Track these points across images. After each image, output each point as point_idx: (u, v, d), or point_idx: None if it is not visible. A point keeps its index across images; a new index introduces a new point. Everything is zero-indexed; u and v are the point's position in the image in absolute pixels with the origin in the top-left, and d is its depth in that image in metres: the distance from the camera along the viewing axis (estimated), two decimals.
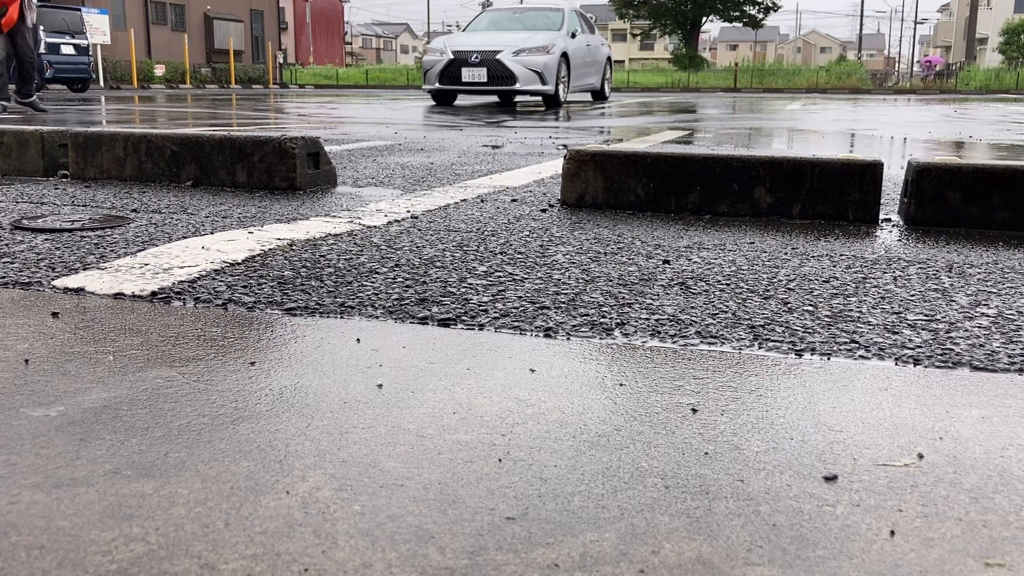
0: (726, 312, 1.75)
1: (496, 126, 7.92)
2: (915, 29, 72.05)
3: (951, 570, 0.85)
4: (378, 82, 35.81)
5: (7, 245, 2.34)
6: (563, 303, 1.80)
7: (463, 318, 1.69)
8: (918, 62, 41.33)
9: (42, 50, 20.21)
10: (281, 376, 1.37)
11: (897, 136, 7.19)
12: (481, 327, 1.64)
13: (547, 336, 1.59)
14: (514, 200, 3.22)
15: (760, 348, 1.53)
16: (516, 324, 1.65)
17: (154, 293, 1.85)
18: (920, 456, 1.11)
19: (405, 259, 2.18)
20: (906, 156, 5.34)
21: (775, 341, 1.56)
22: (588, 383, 1.35)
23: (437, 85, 12.25)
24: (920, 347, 1.53)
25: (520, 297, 1.84)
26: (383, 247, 2.33)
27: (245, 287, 1.90)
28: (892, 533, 0.92)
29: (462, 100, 14.21)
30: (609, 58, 14.90)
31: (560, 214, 2.92)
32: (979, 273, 2.11)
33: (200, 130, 5.60)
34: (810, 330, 1.63)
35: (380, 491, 0.99)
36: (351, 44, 76.65)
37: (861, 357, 1.48)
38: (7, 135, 3.91)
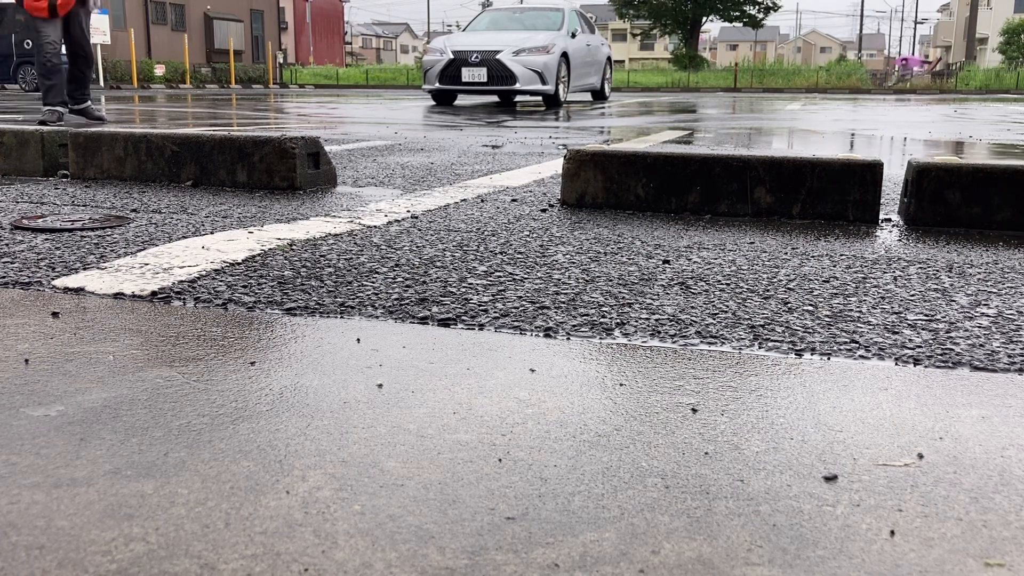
0: (726, 312, 1.75)
1: (496, 126, 7.92)
2: (915, 29, 72.08)
3: (951, 570, 0.85)
4: (378, 82, 35.81)
5: (7, 245, 2.34)
6: (563, 303, 1.80)
7: (463, 318, 1.69)
8: (902, 59, 40.78)
9: None
10: (281, 376, 1.37)
11: (897, 136, 7.19)
12: (481, 327, 1.64)
13: (547, 336, 1.59)
14: (514, 200, 3.22)
15: (760, 348, 1.53)
16: (516, 324, 1.65)
17: (154, 293, 1.85)
18: (920, 456, 1.11)
19: (405, 259, 2.18)
20: (906, 156, 5.34)
21: (775, 341, 1.56)
22: (588, 383, 1.35)
23: (437, 85, 12.24)
24: (920, 347, 1.53)
25: (520, 297, 1.84)
26: (383, 247, 2.33)
27: (245, 287, 1.90)
28: (892, 533, 0.92)
29: (462, 100, 14.21)
30: (609, 58, 14.89)
31: (560, 214, 2.92)
32: (979, 273, 2.11)
33: (200, 130, 5.59)
34: (810, 330, 1.63)
35: (380, 491, 0.99)
36: (351, 44, 76.65)
37: (861, 357, 1.48)
38: (7, 135, 3.91)
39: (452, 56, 11.98)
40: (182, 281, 1.95)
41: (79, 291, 1.87)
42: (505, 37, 12.27)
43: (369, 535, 0.90)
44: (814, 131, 7.77)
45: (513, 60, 11.75)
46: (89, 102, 7.40)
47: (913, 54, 66.46)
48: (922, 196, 2.76)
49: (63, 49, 7.16)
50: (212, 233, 2.51)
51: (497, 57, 11.77)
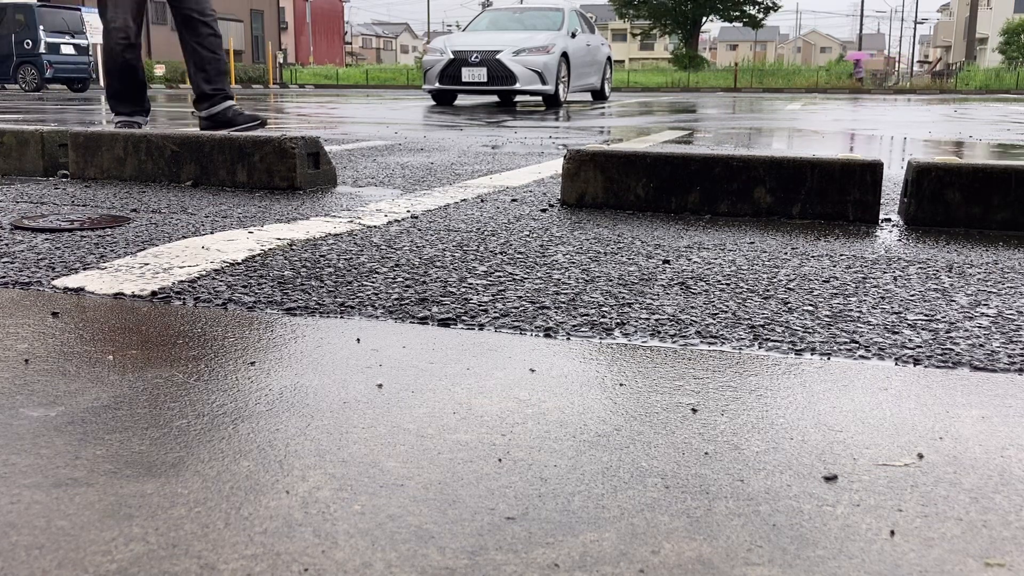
0: (726, 312, 1.75)
1: (496, 126, 7.92)
2: (915, 29, 72.03)
3: (951, 570, 0.85)
4: (378, 82, 35.80)
5: (7, 245, 2.34)
6: (563, 303, 1.80)
7: (463, 318, 1.69)
8: (855, 58, 40.17)
9: (42, 49, 20.23)
10: (281, 376, 1.37)
11: (897, 136, 7.19)
12: (481, 327, 1.64)
13: (547, 336, 1.59)
14: (514, 200, 3.22)
15: (760, 348, 1.53)
16: (516, 324, 1.65)
17: (154, 293, 1.85)
18: (920, 456, 1.11)
19: (405, 259, 2.18)
20: (906, 156, 5.34)
21: (775, 341, 1.56)
22: (588, 383, 1.35)
23: (437, 85, 12.25)
24: (920, 347, 1.53)
25: (520, 297, 1.84)
26: (383, 247, 2.33)
27: (245, 287, 1.90)
28: (892, 533, 0.92)
29: (462, 100, 14.21)
30: (609, 58, 14.90)
31: (560, 214, 2.92)
32: (979, 273, 2.11)
33: (200, 130, 5.58)
34: (810, 330, 1.63)
35: (380, 491, 0.99)
36: (351, 44, 76.66)
37: (861, 357, 1.48)
38: (7, 135, 3.91)
39: (452, 56, 11.99)
40: (182, 281, 1.95)
41: (79, 291, 1.87)
42: (505, 37, 12.28)
43: (369, 535, 0.90)
44: (814, 131, 7.77)
45: (513, 60, 11.76)
46: (228, 103, 4.93)
47: (913, 54, 66.40)
48: (922, 196, 2.76)
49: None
50: (212, 233, 2.51)
51: (497, 57, 11.78)
